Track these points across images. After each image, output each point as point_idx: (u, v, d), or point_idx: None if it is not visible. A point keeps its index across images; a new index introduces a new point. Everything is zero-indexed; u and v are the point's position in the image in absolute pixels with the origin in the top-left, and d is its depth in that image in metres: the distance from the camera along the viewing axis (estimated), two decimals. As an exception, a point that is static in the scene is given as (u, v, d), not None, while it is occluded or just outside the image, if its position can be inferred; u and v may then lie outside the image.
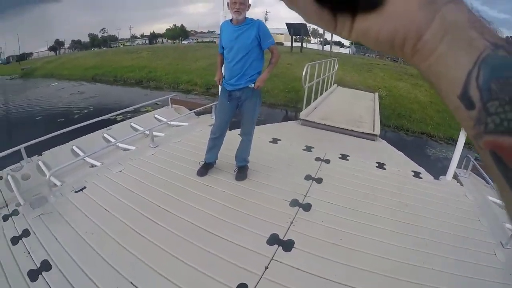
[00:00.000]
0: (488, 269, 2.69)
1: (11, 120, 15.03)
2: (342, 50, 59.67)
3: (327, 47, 31.70)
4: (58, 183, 4.27)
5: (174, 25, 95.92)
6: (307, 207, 3.33)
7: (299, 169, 4.16)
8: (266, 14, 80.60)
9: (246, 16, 3.22)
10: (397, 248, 2.85)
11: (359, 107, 9.04)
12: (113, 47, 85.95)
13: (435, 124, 11.60)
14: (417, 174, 4.48)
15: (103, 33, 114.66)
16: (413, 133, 11.20)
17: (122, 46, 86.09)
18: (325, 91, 10.14)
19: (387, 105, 12.95)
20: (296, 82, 12.85)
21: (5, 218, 3.56)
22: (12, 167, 4.93)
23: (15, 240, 2.91)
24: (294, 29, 29.20)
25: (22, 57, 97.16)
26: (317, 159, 4.54)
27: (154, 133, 5.55)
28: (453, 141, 9.40)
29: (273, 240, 2.84)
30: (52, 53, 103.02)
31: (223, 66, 3.57)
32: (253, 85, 3.37)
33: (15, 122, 14.35)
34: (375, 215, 3.30)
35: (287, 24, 29.37)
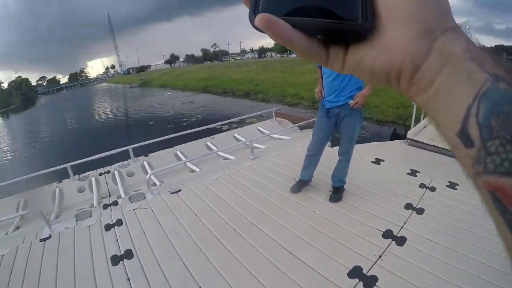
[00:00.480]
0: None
1: (128, 122, 16.76)
2: None
3: None
4: (158, 183, 4.71)
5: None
6: (400, 241, 2.97)
7: (400, 195, 3.75)
8: None
9: None
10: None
11: None
12: (224, 61, 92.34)
13: None
14: None
15: (214, 48, 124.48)
16: None
17: (232, 60, 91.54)
18: None
19: None
20: (406, 98, 12.13)
21: (105, 206, 4.21)
22: (120, 163, 5.65)
23: (108, 227, 3.37)
24: None
25: (141, 69, 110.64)
26: (422, 185, 4.02)
27: (255, 145, 5.70)
28: None
29: (355, 273, 2.58)
30: (168, 66, 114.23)
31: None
32: (352, 101, 3.13)
33: (131, 124, 16.01)
34: (478, 262, 2.73)
35: None
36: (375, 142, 5.84)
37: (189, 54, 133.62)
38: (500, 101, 0.24)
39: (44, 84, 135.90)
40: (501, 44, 76.10)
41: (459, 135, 0.26)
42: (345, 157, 3.46)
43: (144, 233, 3.17)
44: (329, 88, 3.17)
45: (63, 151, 13.97)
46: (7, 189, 7.04)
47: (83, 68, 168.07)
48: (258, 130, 7.01)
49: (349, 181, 3.73)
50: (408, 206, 3.48)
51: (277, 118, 7.48)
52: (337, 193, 3.56)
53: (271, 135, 6.31)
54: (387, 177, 4.20)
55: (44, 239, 3.32)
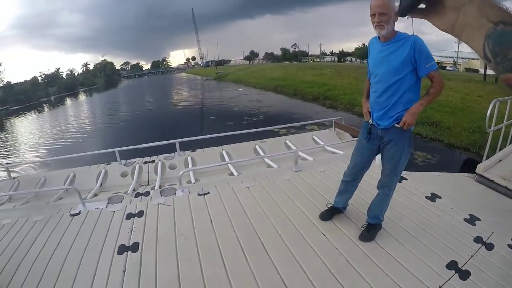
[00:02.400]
0: None
1: (193, 114, 17.21)
2: None
3: None
4: (193, 181, 4.68)
5: (363, 44, 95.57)
6: None
7: (446, 248, 2.97)
8: None
9: (397, 30, 2.47)
10: None
11: None
12: (304, 61, 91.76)
13: None
14: None
15: (294, 48, 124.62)
16: None
17: (312, 61, 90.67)
18: None
19: None
20: (484, 122, 10.58)
21: (137, 195, 4.31)
22: (166, 155, 5.75)
23: (129, 216, 3.50)
24: None
25: (220, 62, 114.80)
26: (478, 239, 3.16)
27: (304, 155, 5.49)
28: None
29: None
30: (247, 62, 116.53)
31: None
32: (398, 125, 2.57)
33: (195, 116, 16.45)
34: None
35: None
36: (437, 172, 4.95)
37: (269, 52, 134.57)
38: (497, 37, 0.55)
39: (127, 68, 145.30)
40: None
41: (483, 57, 0.58)
42: (384, 191, 2.91)
43: (157, 229, 3.19)
44: (374, 105, 2.70)
45: (132, 131, 14.88)
46: (66, 162, 7.71)
47: (166, 57, 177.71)
48: (313, 139, 6.73)
49: (392, 217, 3.29)
50: (452, 265, 2.76)
51: (336, 129, 7.11)
52: (369, 230, 3.03)
53: (326, 147, 5.97)
54: (438, 221, 3.45)
55: (74, 215, 3.67)
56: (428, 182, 4.36)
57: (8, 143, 16.81)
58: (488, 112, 4.75)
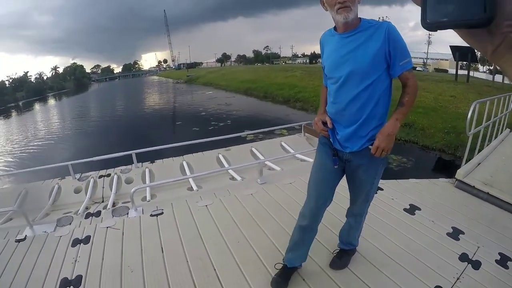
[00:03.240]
0: None
1: (160, 119, 16.85)
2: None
3: (498, 77, 26.58)
4: (148, 198, 4.37)
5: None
6: None
7: (430, 272, 2.62)
8: (429, 37, 74.67)
9: (360, 16, 1.84)
10: None
11: None
12: (275, 63, 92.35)
13: None
14: None
15: (266, 50, 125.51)
16: None
17: (283, 63, 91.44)
18: (495, 138, 7.97)
19: None
20: (459, 122, 10.16)
21: (87, 216, 4.02)
22: (122, 167, 5.39)
23: (75, 243, 3.14)
24: (460, 54, 24.42)
25: (192, 65, 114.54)
26: (463, 257, 2.85)
27: (271, 165, 5.24)
28: None
29: None
30: (219, 64, 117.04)
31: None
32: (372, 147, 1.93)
33: (161, 122, 16.09)
34: None
35: (451, 47, 24.90)
36: (415, 180, 4.66)
37: (241, 54, 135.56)
38: None
39: (98, 72, 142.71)
40: None
41: None
42: (357, 219, 2.35)
43: (102, 259, 2.84)
44: (338, 120, 1.98)
45: (100, 138, 14.46)
46: (21, 177, 7.29)
47: (137, 60, 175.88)
48: (281, 146, 6.50)
49: (367, 236, 2.91)
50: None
51: (306, 134, 6.90)
52: (341, 257, 2.53)
53: (295, 154, 5.71)
54: (419, 238, 3.11)
55: (19, 240, 3.32)
56: (406, 192, 4.10)
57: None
58: (469, 116, 4.60)
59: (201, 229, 3.17)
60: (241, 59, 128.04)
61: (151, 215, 3.48)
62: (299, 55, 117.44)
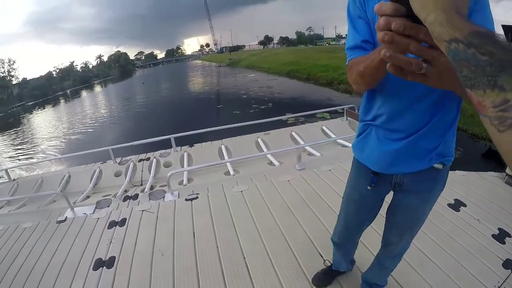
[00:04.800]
0: None
1: (197, 103, 16.97)
2: None
3: None
4: (185, 182, 4.37)
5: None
6: None
7: (470, 278, 2.34)
8: None
9: None
10: None
11: None
12: (319, 45, 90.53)
13: None
14: None
15: (309, 31, 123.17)
16: None
17: (327, 44, 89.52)
18: None
19: None
20: None
21: (125, 199, 4.09)
22: (161, 151, 5.47)
23: (111, 225, 3.23)
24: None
25: (234, 48, 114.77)
26: (507, 264, 2.48)
27: (310, 150, 5.08)
28: None
29: None
30: (261, 47, 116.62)
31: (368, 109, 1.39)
32: (442, 165, 1.35)
33: (202, 105, 16.18)
34: None
35: (503, 26, 23.98)
36: (462, 172, 4.11)
37: (283, 36, 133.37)
38: (453, 55, 0.47)
39: (142, 58, 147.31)
40: None
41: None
42: (395, 259, 1.83)
43: (135, 243, 2.87)
44: (396, 124, 1.28)
45: (146, 120, 14.77)
46: (67, 160, 7.58)
47: (180, 45, 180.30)
48: (322, 130, 6.29)
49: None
50: None
51: (349, 118, 6.63)
52: None
53: (336, 140, 5.44)
54: (460, 237, 2.81)
55: (60, 221, 3.47)
56: (452, 184, 3.64)
57: (26, 139, 16.82)
58: None
59: (234, 216, 3.10)
60: (284, 41, 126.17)
61: (186, 200, 3.46)
62: (343, 36, 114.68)
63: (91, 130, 15.29)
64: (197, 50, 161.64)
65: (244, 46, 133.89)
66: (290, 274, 2.30)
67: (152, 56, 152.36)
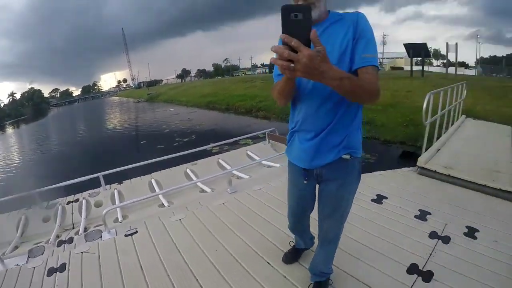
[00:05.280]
0: None
1: (118, 140, 16.54)
2: (467, 72, 53.36)
3: (451, 70, 28.03)
4: (120, 219, 4.32)
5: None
6: None
7: (403, 252, 2.81)
8: (383, 38, 77.69)
9: (330, 10, 1.63)
10: None
11: (493, 147, 6.71)
12: (235, 75, 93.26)
13: None
14: None
15: (226, 63, 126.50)
16: None
17: (243, 74, 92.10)
18: (451, 125, 8.02)
19: None
20: (416, 114, 10.39)
21: (59, 244, 3.83)
22: (90, 191, 5.28)
23: (51, 272, 2.99)
24: (414, 51, 25.48)
25: (152, 83, 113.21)
26: (433, 235, 3.09)
27: (239, 174, 5.33)
28: None
29: None
30: (179, 80, 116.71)
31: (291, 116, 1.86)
32: (349, 156, 1.71)
33: (124, 143, 15.80)
34: None
35: (405, 45, 26.00)
36: (378, 172, 4.90)
37: (201, 69, 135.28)
38: None
39: (57, 95, 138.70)
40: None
41: None
42: (331, 245, 2.15)
43: (81, 285, 2.73)
44: (305, 127, 1.71)
45: (62, 163, 13.92)
46: None
47: (96, 81, 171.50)
48: (247, 155, 6.58)
49: (343, 233, 2.75)
50: (413, 269, 2.60)
51: (271, 141, 7.04)
52: None
53: (261, 161, 5.83)
54: (388, 223, 3.33)
55: None
56: (372, 184, 4.31)
57: None
58: (424, 106, 4.95)
59: (177, 243, 3.15)
60: (201, 73, 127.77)
61: (126, 235, 3.42)
62: (258, 65, 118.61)
63: (7, 175, 14.17)
64: (114, 86, 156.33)
65: (162, 80, 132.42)
66: (244, 284, 2.47)
67: (67, 93, 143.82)
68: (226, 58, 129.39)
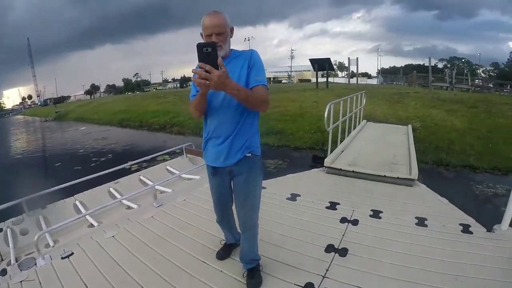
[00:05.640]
0: None
1: (30, 165, 15.51)
2: (369, 81, 57.73)
3: (354, 80, 30.80)
4: (52, 244, 4.24)
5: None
6: None
7: (320, 237, 3.37)
8: (291, 53, 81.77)
9: (232, 48, 2.28)
10: None
11: (391, 144, 8.08)
12: (146, 91, 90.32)
13: (477, 153, 10.46)
14: (466, 228, 3.64)
15: (136, 77, 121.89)
16: (454, 168, 10.02)
17: (154, 90, 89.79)
18: (353, 129, 9.45)
19: (422, 138, 11.75)
20: (322, 122, 11.93)
21: None
22: (13, 219, 5.00)
23: None
24: (318, 65, 27.92)
25: (59, 100, 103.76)
26: (343, 220, 3.77)
27: (162, 189, 5.54)
28: (499, 172, 8.79)
29: None
30: (88, 96, 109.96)
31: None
32: (250, 154, 2.34)
33: (33, 168, 14.80)
34: None
35: (310, 60, 28.50)
36: (291, 175, 5.61)
37: (110, 84, 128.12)
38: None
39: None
40: (410, 63, 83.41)
41: None
42: (250, 232, 2.61)
43: None
44: (214, 136, 2.32)
45: None
46: None
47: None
48: (167, 170, 6.86)
49: (265, 227, 3.36)
50: (330, 248, 3.16)
51: (188, 155, 7.39)
52: (253, 276, 2.71)
53: (182, 175, 6.12)
54: (304, 215, 3.92)
55: None
56: (285, 185, 4.95)
57: None
58: (325, 115, 5.75)
59: (116, 258, 3.29)
60: (111, 89, 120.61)
61: (62, 258, 3.43)
62: (170, 80, 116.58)
63: None
64: (19, 103, 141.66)
65: (70, 96, 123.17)
66: (185, 284, 2.81)
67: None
68: (137, 73, 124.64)
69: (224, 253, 3.08)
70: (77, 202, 5.43)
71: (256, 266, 2.75)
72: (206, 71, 1.74)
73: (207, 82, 1.77)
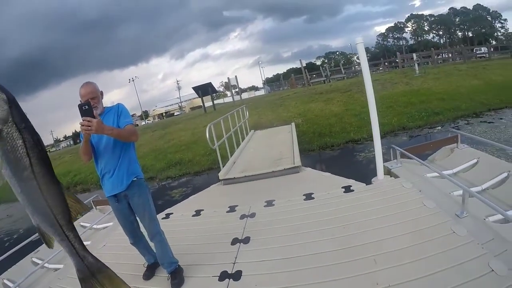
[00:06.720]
0: (455, 252, 2.53)
1: None
2: (258, 93, 58.58)
3: (244, 95, 31.62)
4: None
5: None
6: (237, 276, 2.93)
7: (225, 235, 3.71)
8: (178, 83, 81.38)
9: (104, 106, 2.91)
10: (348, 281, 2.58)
11: (278, 144, 8.71)
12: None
13: (355, 128, 11.84)
14: (347, 189, 4.23)
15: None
16: (338, 146, 11.31)
17: (48, 152, 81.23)
18: (242, 140, 9.83)
19: (306, 130, 13.07)
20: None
21: None
22: None
23: None
24: (202, 91, 29.04)
25: None
26: (242, 216, 4.13)
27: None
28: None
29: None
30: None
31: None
32: (136, 178, 2.87)
33: None
34: (314, 254, 2.99)
35: (194, 88, 30.04)
36: (193, 196, 5.92)
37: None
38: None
39: None
40: (291, 67, 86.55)
41: None
42: (157, 238, 3.02)
43: None
44: (107, 170, 2.82)
45: None
46: None
47: None
48: (81, 226, 6.62)
49: (177, 242, 3.54)
50: (235, 241, 3.52)
51: (97, 207, 7.16)
52: (176, 277, 3.05)
53: (94, 226, 6.04)
54: (210, 224, 4.23)
55: None
56: (190, 205, 5.22)
57: None
58: (207, 135, 6.33)
59: None
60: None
61: None
62: (61, 139, 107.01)
63: None
64: None
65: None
66: None
67: None
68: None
69: (149, 273, 3.27)
70: (5, 281, 4.75)
71: (177, 268, 3.09)
72: (88, 121, 2.29)
73: (89, 128, 2.29)
